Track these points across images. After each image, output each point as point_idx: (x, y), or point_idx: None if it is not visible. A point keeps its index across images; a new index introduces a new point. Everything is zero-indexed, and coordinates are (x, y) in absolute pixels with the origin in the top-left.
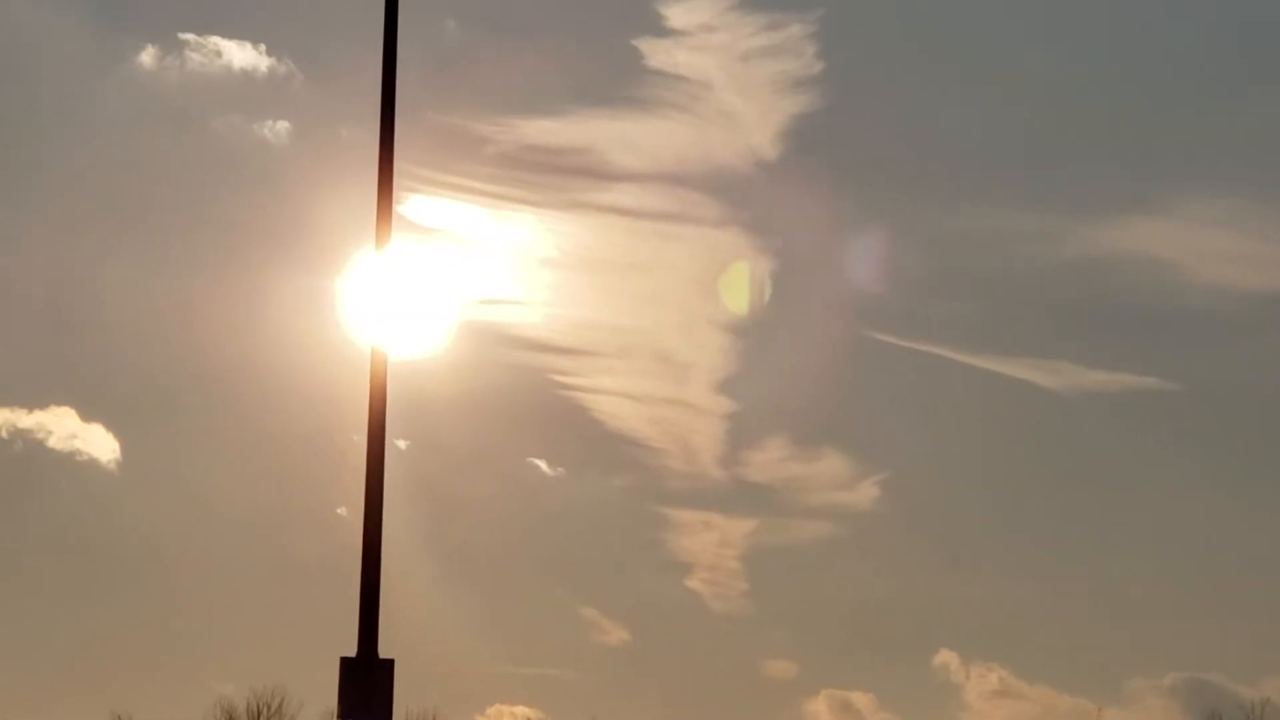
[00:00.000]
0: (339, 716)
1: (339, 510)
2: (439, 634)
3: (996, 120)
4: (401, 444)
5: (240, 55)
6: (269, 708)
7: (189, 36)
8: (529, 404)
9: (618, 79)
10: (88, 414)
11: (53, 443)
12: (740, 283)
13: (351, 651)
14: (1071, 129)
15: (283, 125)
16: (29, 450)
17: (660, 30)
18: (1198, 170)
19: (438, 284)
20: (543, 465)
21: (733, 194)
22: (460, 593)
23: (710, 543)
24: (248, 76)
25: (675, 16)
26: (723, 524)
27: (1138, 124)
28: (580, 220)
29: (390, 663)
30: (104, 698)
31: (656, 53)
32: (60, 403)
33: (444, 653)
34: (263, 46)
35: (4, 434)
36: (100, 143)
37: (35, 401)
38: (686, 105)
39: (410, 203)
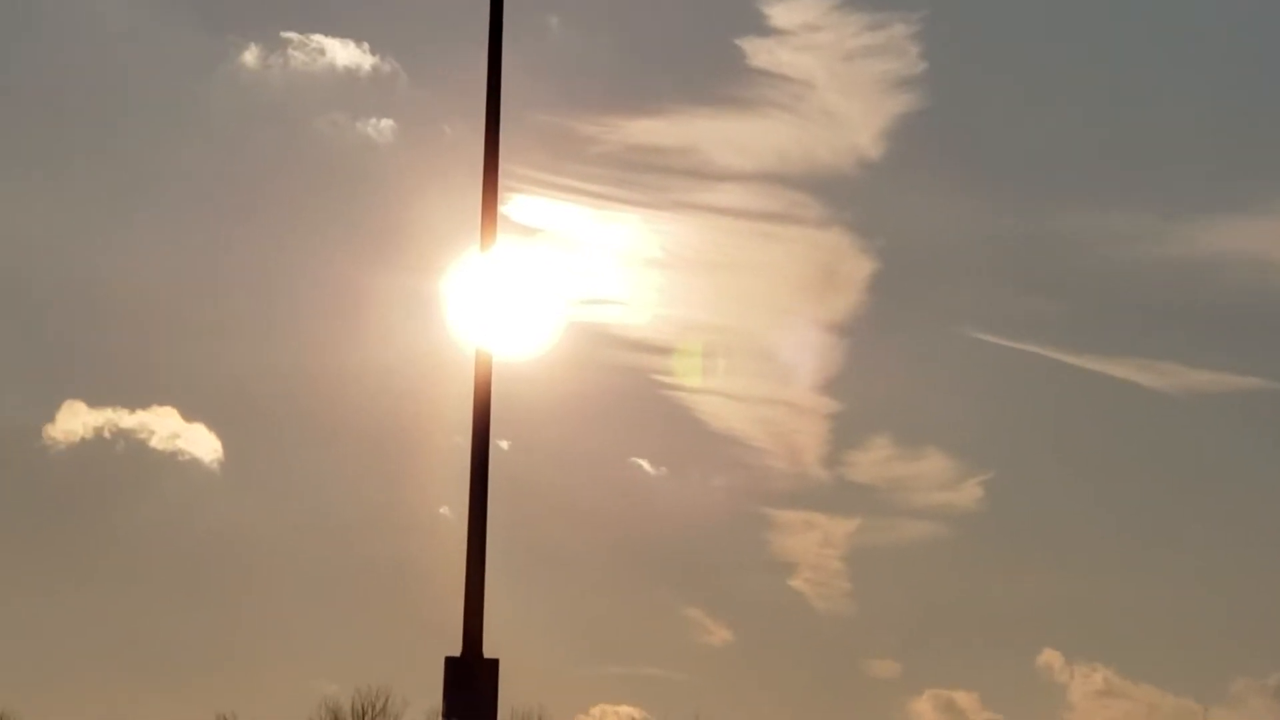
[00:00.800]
0: (444, 716)
1: (441, 510)
2: (543, 634)
3: (1098, 120)
4: (504, 444)
5: (344, 53)
6: (374, 707)
7: (292, 35)
8: (632, 405)
9: (721, 78)
10: (190, 414)
11: (155, 442)
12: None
13: (456, 651)
14: (1172, 128)
15: (387, 123)
16: (131, 450)
17: (763, 29)
18: None
19: (542, 285)
20: (645, 465)
21: (836, 194)
22: (564, 593)
23: (813, 543)
24: (351, 75)
25: (778, 16)
26: (826, 524)
27: (1236, 123)
28: (684, 220)
29: (495, 662)
30: (209, 698)
31: (760, 52)
32: (162, 402)
33: (548, 653)
34: (366, 45)
35: (107, 434)
36: (205, 143)
37: (138, 401)
38: (789, 105)
39: (514, 202)
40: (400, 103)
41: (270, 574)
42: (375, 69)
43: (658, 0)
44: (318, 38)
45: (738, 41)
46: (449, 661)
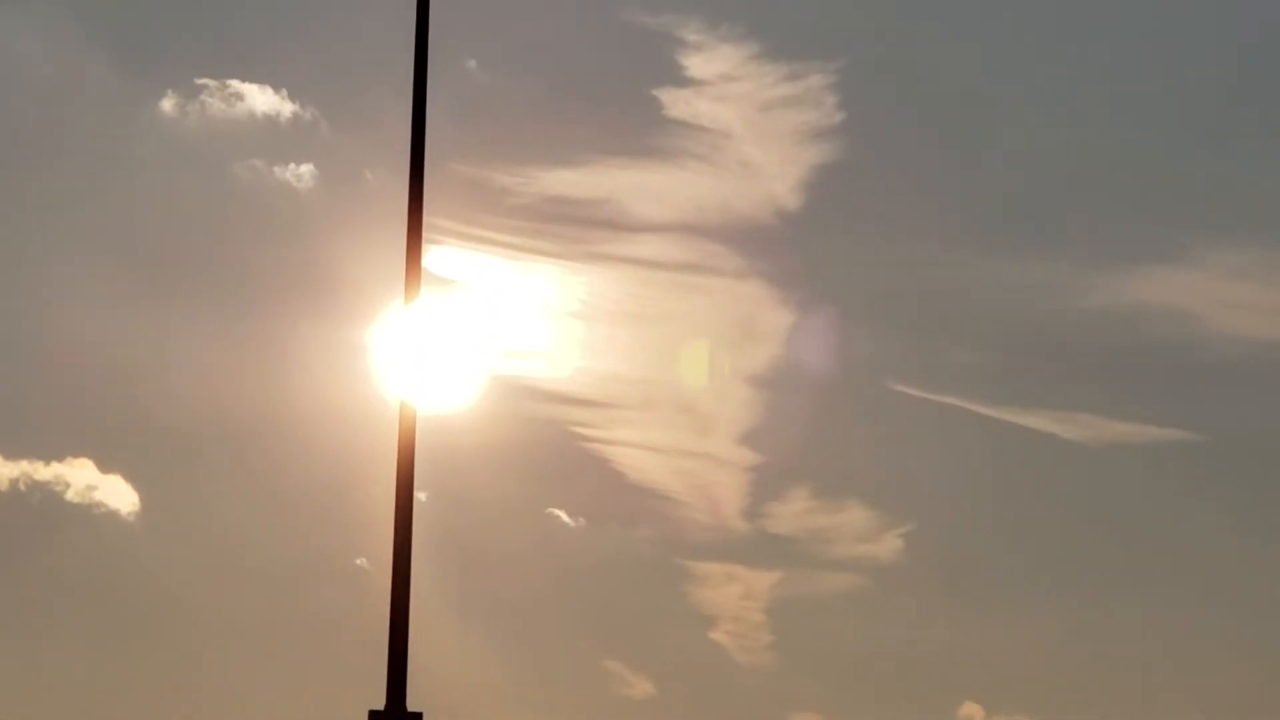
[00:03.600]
0: None
1: (358, 561)
2: (464, 687)
3: (1018, 170)
4: (421, 496)
5: (262, 99)
6: None
7: (208, 81)
8: (550, 456)
9: (638, 129)
10: (106, 465)
11: (71, 495)
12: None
13: (380, 704)
14: (1092, 179)
15: (307, 168)
16: (47, 502)
17: (681, 80)
18: (1220, 220)
19: (464, 338)
20: (563, 515)
21: (754, 245)
22: (483, 645)
23: (734, 595)
24: (270, 121)
25: (696, 66)
26: (747, 576)
27: (1160, 173)
28: (602, 272)
29: (419, 716)
30: None
31: (677, 102)
32: (78, 454)
33: (470, 705)
34: (284, 91)
35: (22, 486)
36: (121, 190)
37: (53, 453)
38: (707, 155)
39: (433, 253)
40: (321, 148)
41: (189, 626)
42: (295, 115)
43: (575, 47)
44: (234, 83)
45: (655, 92)
46: (373, 715)
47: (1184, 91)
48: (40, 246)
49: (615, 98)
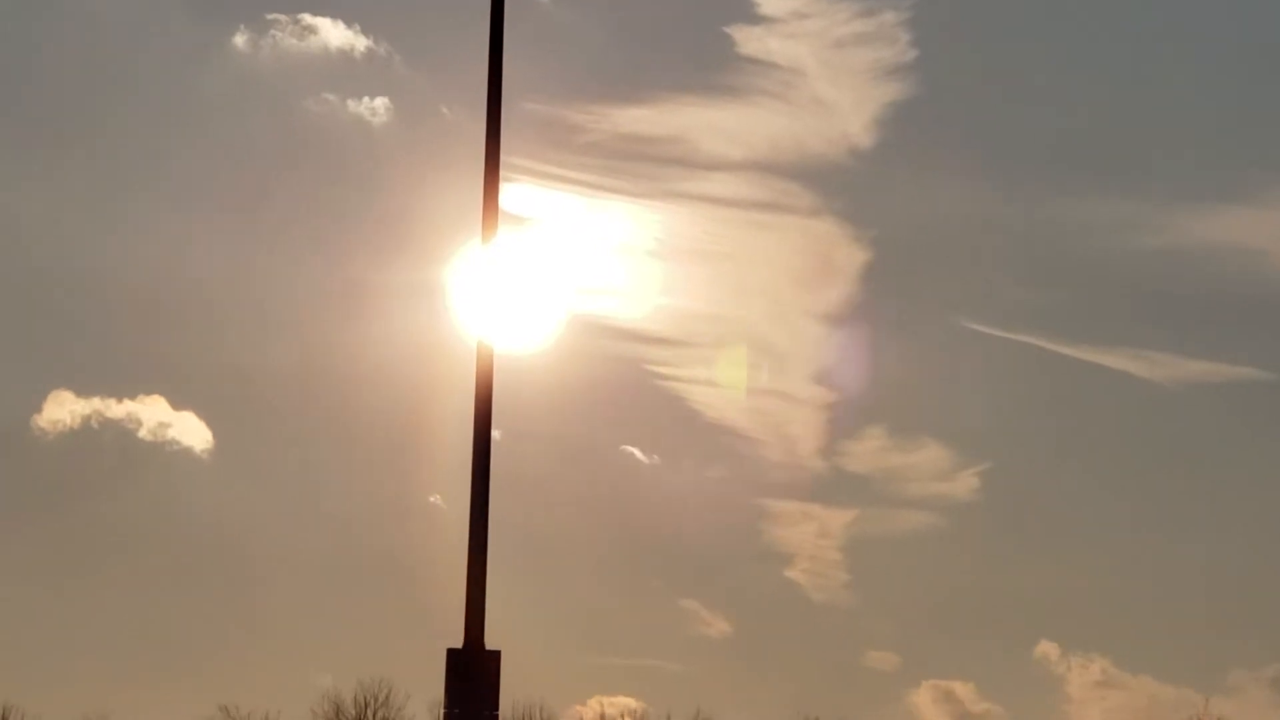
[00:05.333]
0: (446, 708)
1: (432, 499)
2: (541, 625)
3: (1090, 110)
4: (496, 434)
5: (335, 34)
6: (376, 699)
7: (279, 16)
8: (625, 394)
9: (710, 66)
10: (179, 403)
11: (143, 432)
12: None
13: (457, 643)
14: (1164, 119)
15: (381, 102)
16: (120, 439)
17: (753, 17)
18: None
19: (539, 276)
20: (638, 453)
21: (827, 183)
22: (561, 584)
23: (810, 533)
24: (344, 55)
25: (768, 4)
26: (822, 514)
27: (1234, 114)
28: (676, 210)
29: (497, 654)
30: (209, 690)
31: (749, 40)
32: (150, 391)
33: (546, 644)
34: (357, 26)
35: (94, 423)
36: (197, 130)
37: (126, 390)
38: (779, 93)
39: (507, 191)
40: (395, 83)
41: (265, 564)
42: (369, 50)
43: None
44: (306, 18)
45: (727, 29)
46: (451, 653)
47: (1258, 35)
48: (114, 185)
49: (687, 35)
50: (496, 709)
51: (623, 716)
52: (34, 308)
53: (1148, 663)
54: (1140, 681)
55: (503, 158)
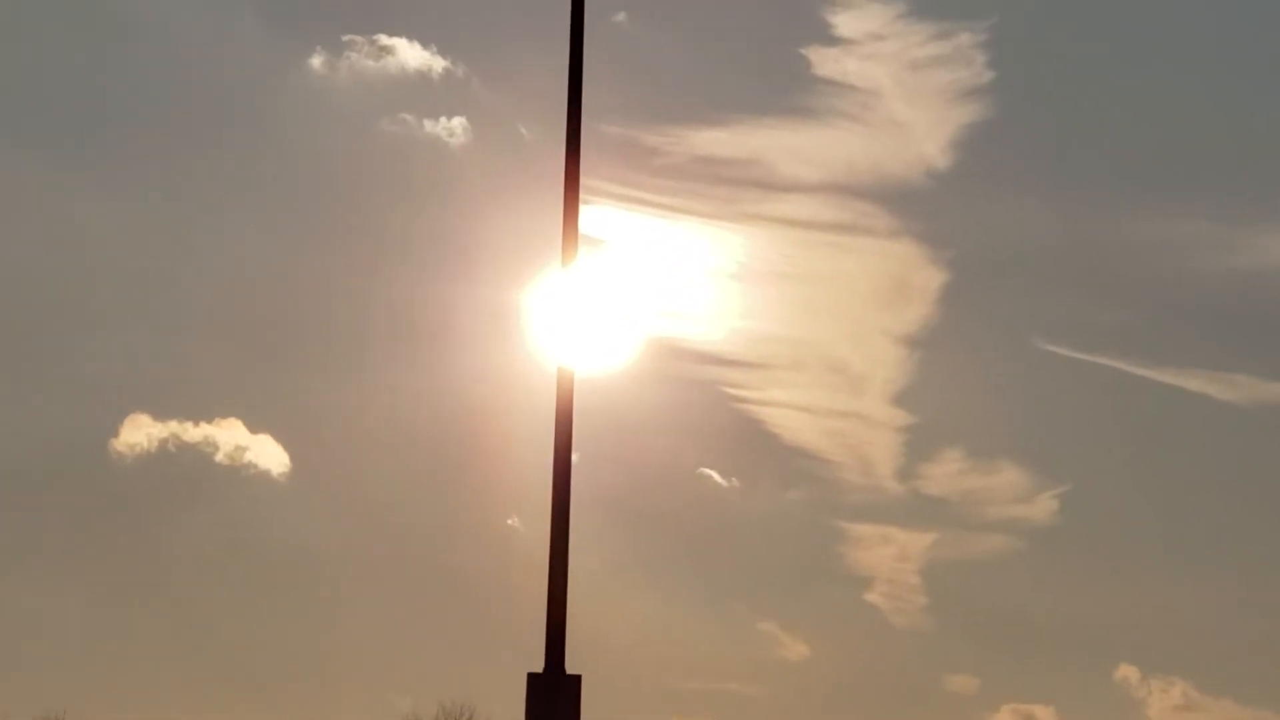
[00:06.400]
0: None
1: (510, 521)
2: (620, 649)
3: (1171, 127)
4: (575, 456)
5: (410, 54)
6: None
7: (355, 37)
8: (704, 417)
9: (786, 88)
10: (255, 426)
11: (220, 456)
12: None
13: (537, 666)
14: (1247, 136)
15: (459, 122)
16: (198, 463)
17: (828, 39)
18: None
19: (618, 299)
20: (716, 476)
21: (905, 204)
22: (639, 606)
23: (889, 556)
24: (421, 76)
25: (843, 25)
26: (901, 537)
27: None
28: (753, 232)
29: (578, 678)
30: (287, 711)
31: (825, 61)
32: (227, 414)
33: (624, 666)
34: (433, 46)
35: (172, 447)
36: (273, 151)
37: (203, 414)
38: (856, 114)
39: (586, 214)
40: (472, 103)
41: (344, 587)
42: (446, 70)
43: (722, 5)
44: (383, 38)
45: (803, 51)
46: (531, 677)
47: None
48: (191, 206)
49: (763, 57)
50: None
51: None
52: (110, 330)
53: (1229, 686)
54: (1222, 705)
55: (581, 180)
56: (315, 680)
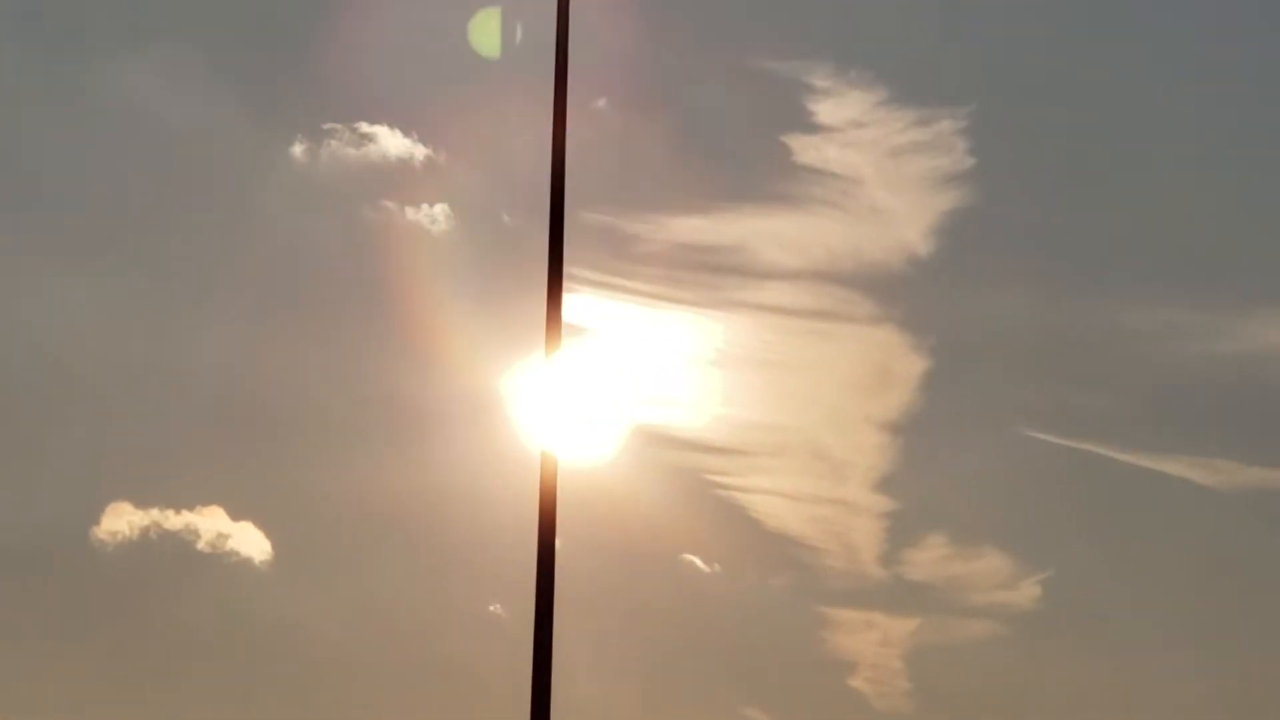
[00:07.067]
0: None
1: (492, 608)
2: None
3: (1150, 215)
4: (558, 542)
5: (392, 141)
6: None
7: (336, 125)
8: (686, 504)
9: (766, 175)
10: (237, 513)
11: (202, 544)
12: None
13: None
14: (1226, 224)
15: (440, 209)
16: (179, 550)
17: (808, 126)
18: None
19: (601, 387)
20: (699, 562)
21: (886, 291)
22: (621, 692)
23: (872, 641)
24: (402, 163)
25: (824, 112)
26: (884, 623)
27: None
28: (735, 319)
29: None
30: None
31: (805, 149)
32: (208, 502)
33: None
34: (414, 134)
35: (153, 535)
36: (256, 237)
37: (184, 501)
38: (836, 201)
39: (568, 301)
40: (454, 190)
41: (326, 672)
42: (428, 157)
43: (702, 92)
44: (363, 126)
45: (783, 138)
46: None
47: None
48: (174, 293)
49: (743, 144)
50: None
51: None
52: (91, 418)
53: None
54: None
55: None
56: None
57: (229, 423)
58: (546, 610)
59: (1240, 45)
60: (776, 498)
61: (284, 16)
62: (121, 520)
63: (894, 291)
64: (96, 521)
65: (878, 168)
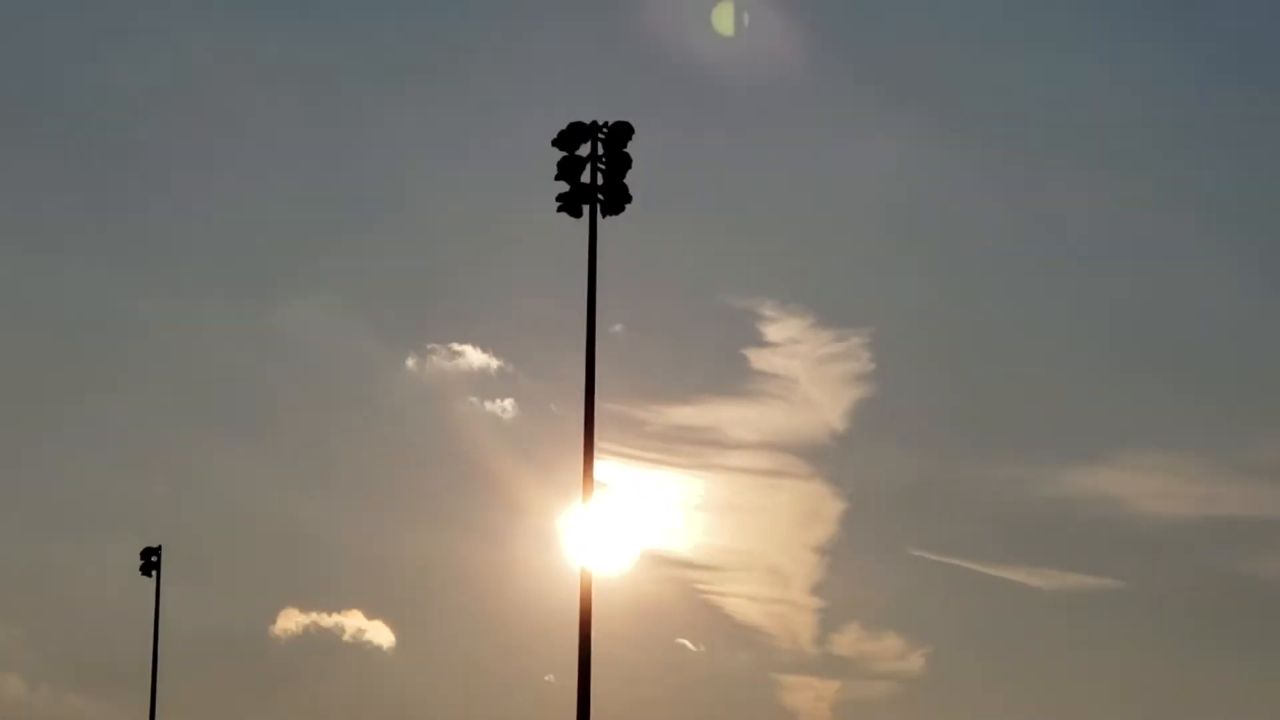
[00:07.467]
0: None
1: (547, 677)
2: None
3: (996, 399)
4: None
5: (475, 357)
6: None
7: (436, 346)
8: (680, 604)
9: (733, 377)
10: (372, 613)
11: (346, 637)
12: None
13: None
14: (1048, 403)
15: (509, 403)
16: (331, 642)
17: (761, 343)
18: (1141, 431)
19: (619, 524)
20: (689, 644)
21: (815, 456)
22: None
23: (809, 698)
24: (481, 371)
25: (771, 333)
26: (817, 685)
27: (1094, 394)
28: (712, 477)
29: None
30: None
31: (759, 359)
32: (351, 607)
33: None
34: (490, 350)
35: (313, 631)
36: (377, 426)
37: (333, 606)
38: (781, 395)
39: (598, 466)
40: (518, 390)
41: None
42: (500, 368)
43: (688, 319)
44: (455, 345)
45: (743, 351)
46: None
47: (1094, 339)
48: (319, 465)
49: (716, 356)
50: None
51: None
52: (264, 547)
53: None
54: None
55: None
56: None
57: (361, 561)
58: (585, 678)
59: (1054, 250)
60: (743, 599)
61: (396, 271)
62: (291, 621)
63: (821, 456)
64: (273, 622)
65: (809, 372)
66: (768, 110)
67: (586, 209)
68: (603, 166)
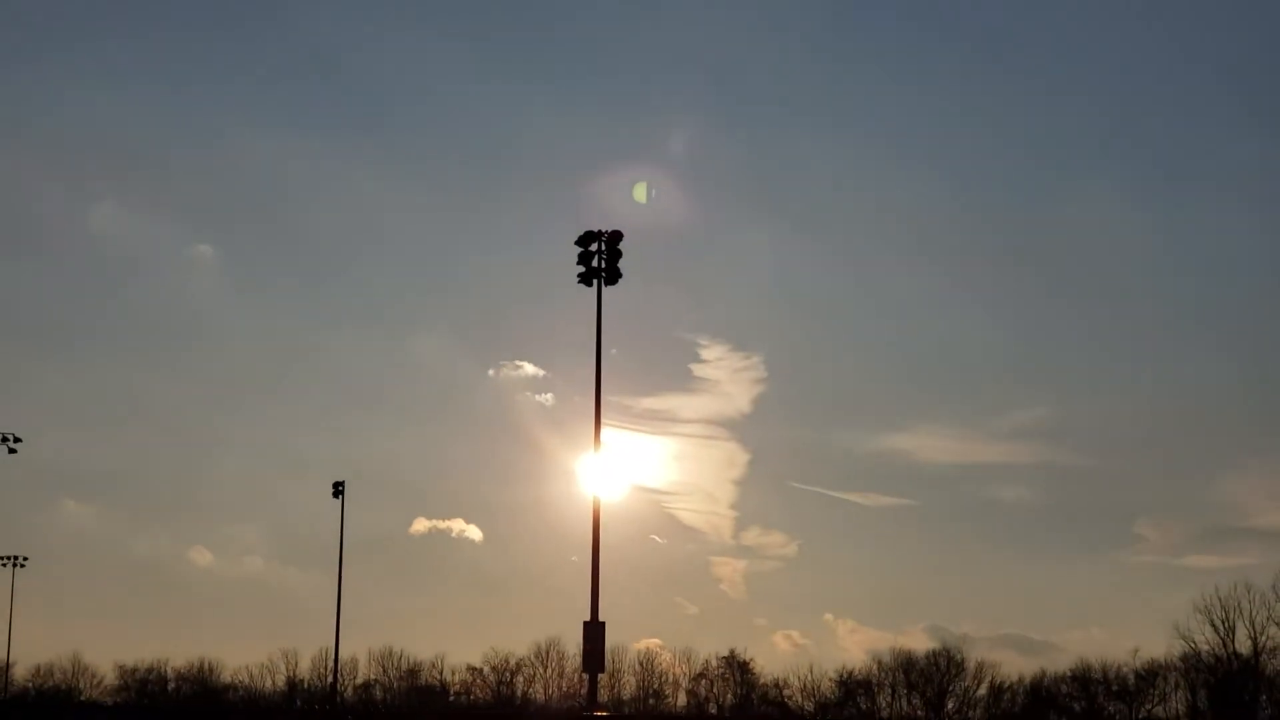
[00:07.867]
0: None
1: (573, 558)
2: None
3: (840, 394)
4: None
5: (530, 369)
6: None
7: (504, 361)
8: (649, 517)
9: (683, 380)
10: (468, 520)
11: (453, 535)
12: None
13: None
14: (872, 396)
15: (549, 396)
16: (443, 539)
17: (700, 360)
18: (927, 410)
19: (617, 469)
20: (658, 538)
21: (733, 428)
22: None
23: (729, 571)
24: (534, 379)
25: (706, 354)
26: (734, 563)
27: (896, 391)
28: (670, 441)
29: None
30: None
31: (699, 369)
32: (456, 516)
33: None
34: (539, 364)
35: (433, 532)
36: (473, 416)
37: (447, 515)
38: (711, 391)
39: (603, 433)
40: (556, 389)
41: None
42: (546, 375)
43: (650, 350)
44: (517, 362)
45: (689, 365)
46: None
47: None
48: (439, 438)
49: (671, 369)
50: None
51: None
52: (401, 480)
53: None
54: None
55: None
56: None
57: (467, 492)
58: (595, 559)
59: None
60: (689, 511)
61: (482, 317)
62: (420, 525)
63: (736, 427)
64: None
65: (728, 377)
66: (683, 239)
67: (596, 282)
68: (605, 256)
